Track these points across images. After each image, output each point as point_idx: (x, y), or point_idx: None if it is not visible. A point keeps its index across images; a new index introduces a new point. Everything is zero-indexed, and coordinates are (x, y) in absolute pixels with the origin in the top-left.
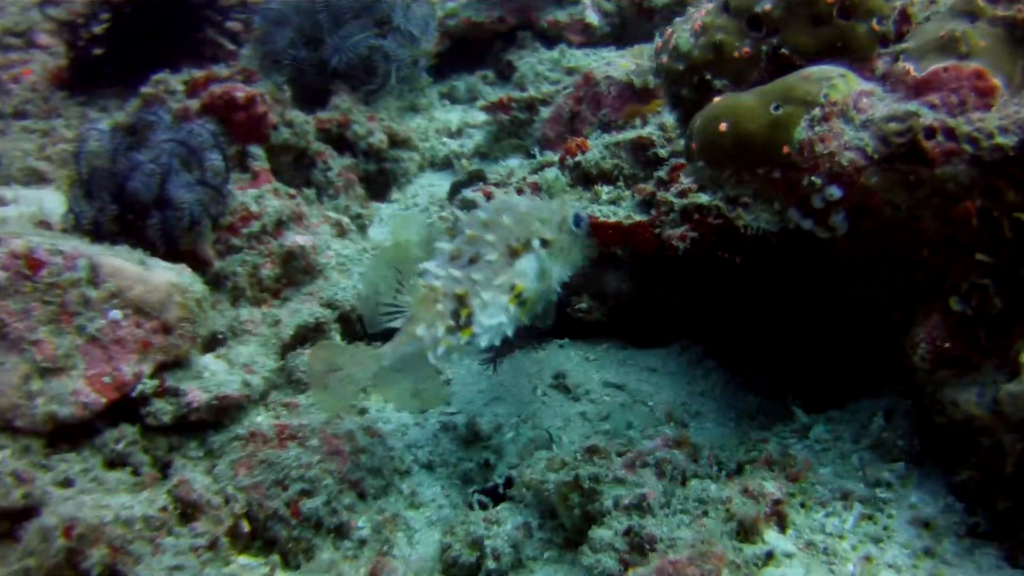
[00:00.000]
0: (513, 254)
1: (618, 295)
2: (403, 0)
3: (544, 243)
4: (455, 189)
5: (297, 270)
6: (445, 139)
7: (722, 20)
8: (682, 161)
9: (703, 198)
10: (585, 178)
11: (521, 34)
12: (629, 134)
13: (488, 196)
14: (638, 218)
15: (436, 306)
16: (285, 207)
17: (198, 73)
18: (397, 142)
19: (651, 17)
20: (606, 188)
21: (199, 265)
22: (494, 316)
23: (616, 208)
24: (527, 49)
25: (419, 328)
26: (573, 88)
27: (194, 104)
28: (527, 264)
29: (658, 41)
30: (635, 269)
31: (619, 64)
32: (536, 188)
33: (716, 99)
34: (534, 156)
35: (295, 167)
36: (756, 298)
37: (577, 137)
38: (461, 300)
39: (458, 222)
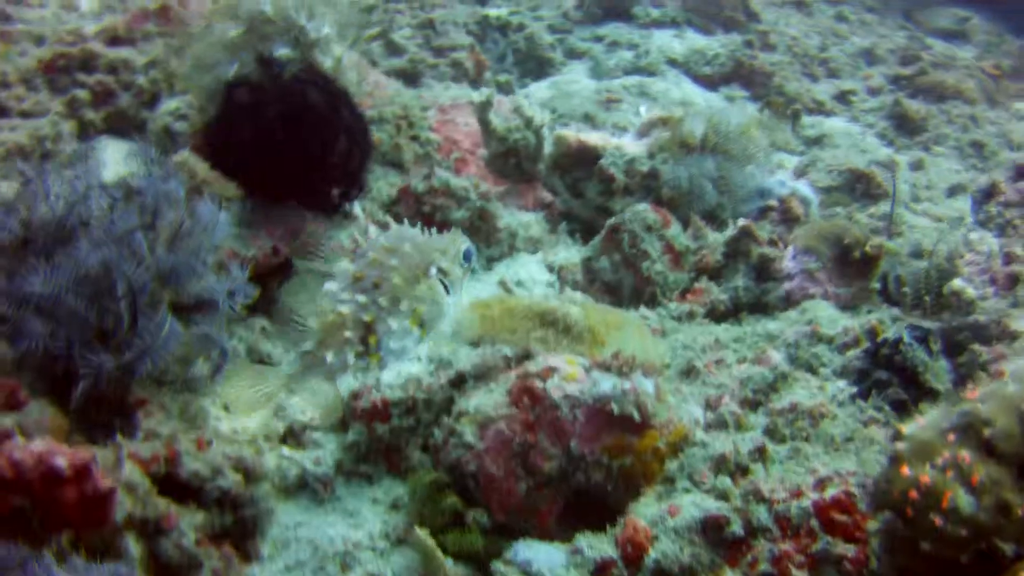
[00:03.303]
0: (414, 280)
1: None
2: (206, 250)
3: (440, 271)
4: None
5: None
6: (284, 449)
7: (994, 471)
8: (787, 548)
9: None
10: None
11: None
12: (692, 511)
13: None
14: None
15: (344, 333)
16: None
17: None
18: (252, 475)
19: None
20: None
21: None
22: (400, 340)
23: None
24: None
25: (328, 355)
26: (516, 407)
27: None
28: (426, 290)
29: (909, 490)
30: None
31: (566, 371)
32: None
33: None
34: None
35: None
36: None
37: (635, 521)
38: (368, 327)
39: (358, 246)
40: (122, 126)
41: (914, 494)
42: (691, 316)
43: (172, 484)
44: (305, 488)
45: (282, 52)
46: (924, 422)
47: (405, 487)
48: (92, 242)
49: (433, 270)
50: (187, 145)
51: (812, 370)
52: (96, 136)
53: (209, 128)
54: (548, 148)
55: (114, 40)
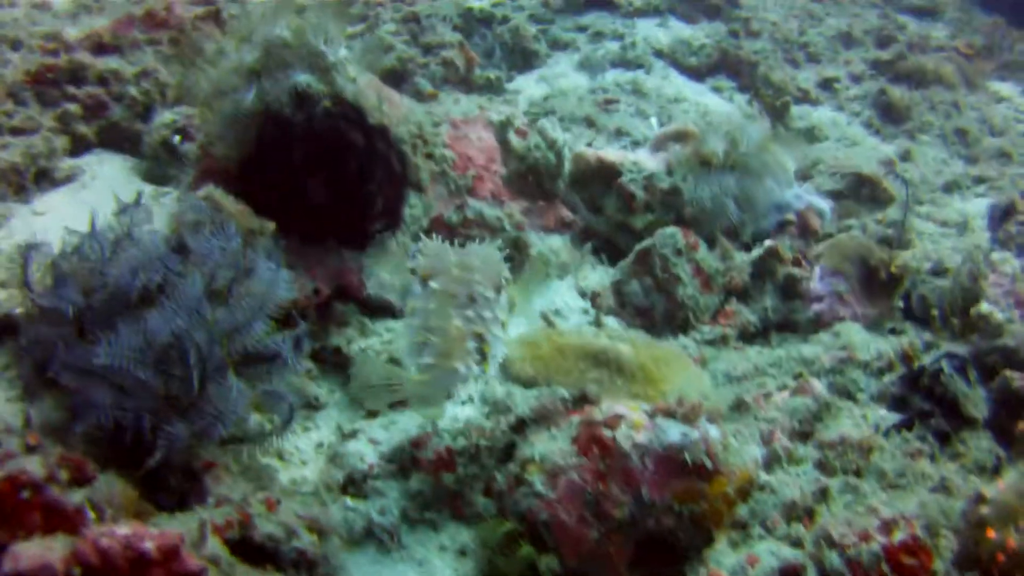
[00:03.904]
0: (497, 291)
1: None
2: (266, 308)
3: (506, 280)
4: None
5: None
6: (347, 500)
7: None
8: None
9: None
10: None
11: (340, 308)
12: (771, 560)
13: None
14: None
15: (466, 344)
16: None
17: None
18: (323, 532)
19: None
20: None
21: None
22: (501, 348)
23: None
24: (351, 326)
25: (458, 364)
26: (585, 456)
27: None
28: (504, 299)
29: (996, 553)
30: None
31: (632, 419)
32: None
33: None
34: None
35: None
36: None
37: (718, 573)
38: (480, 338)
39: (428, 267)
40: (116, 139)
41: (1001, 557)
42: (724, 340)
43: (246, 547)
44: (371, 537)
45: (303, 79)
46: (1004, 485)
47: (470, 532)
48: (161, 312)
49: (503, 281)
50: (193, 166)
51: (850, 396)
52: (91, 151)
53: (241, 165)
54: (566, 166)
55: (100, 48)
